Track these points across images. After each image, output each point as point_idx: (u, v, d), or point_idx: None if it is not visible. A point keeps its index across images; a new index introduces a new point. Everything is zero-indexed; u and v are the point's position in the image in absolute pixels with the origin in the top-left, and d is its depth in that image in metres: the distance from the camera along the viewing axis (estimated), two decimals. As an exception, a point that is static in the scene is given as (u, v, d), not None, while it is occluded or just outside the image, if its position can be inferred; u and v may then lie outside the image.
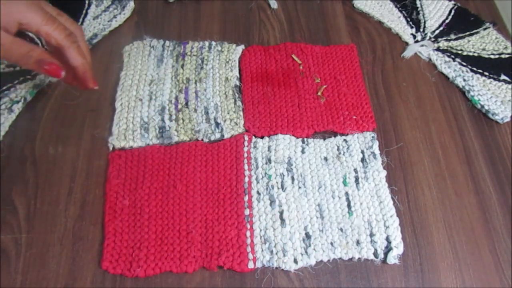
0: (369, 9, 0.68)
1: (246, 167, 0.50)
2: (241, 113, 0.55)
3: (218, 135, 0.53)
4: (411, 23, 0.67)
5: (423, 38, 0.65)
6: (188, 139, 0.53)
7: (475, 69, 0.60)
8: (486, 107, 0.57)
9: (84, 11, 0.65)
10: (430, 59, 0.63)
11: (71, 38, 0.43)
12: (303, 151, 0.52)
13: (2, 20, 0.39)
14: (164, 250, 0.44)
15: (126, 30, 0.65)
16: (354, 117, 0.55)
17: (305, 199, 0.48)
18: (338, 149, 0.52)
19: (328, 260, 0.45)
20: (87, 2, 0.66)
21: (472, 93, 0.58)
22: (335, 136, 0.53)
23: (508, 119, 0.56)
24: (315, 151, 0.52)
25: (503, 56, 0.62)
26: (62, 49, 0.43)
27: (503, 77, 0.59)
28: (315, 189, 0.49)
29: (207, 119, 0.54)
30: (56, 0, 0.65)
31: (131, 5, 0.66)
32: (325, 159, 0.51)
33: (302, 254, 0.44)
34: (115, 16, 0.64)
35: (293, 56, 0.61)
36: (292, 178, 0.49)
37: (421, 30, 0.66)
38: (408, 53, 0.63)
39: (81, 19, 0.64)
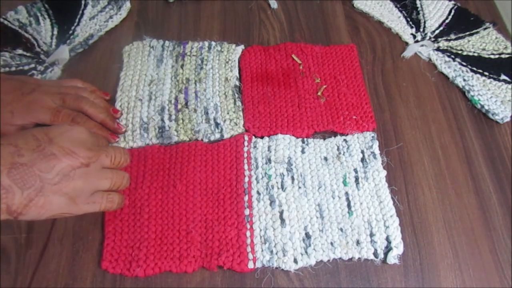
0: (369, 9, 0.68)
1: (246, 167, 0.50)
2: (241, 113, 0.55)
3: (218, 135, 0.53)
4: (411, 23, 0.67)
5: (423, 38, 0.65)
6: (188, 139, 0.52)
7: (475, 69, 0.60)
8: (486, 107, 0.57)
9: (80, 12, 0.65)
10: (430, 59, 0.63)
11: (78, 119, 0.47)
12: (303, 151, 0.52)
13: (21, 121, 0.44)
14: (163, 250, 0.44)
15: (126, 30, 0.65)
16: (354, 117, 0.55)
17: (305, 199, 0.48)
18: (338, 149, 0.52)
19: (328, 260, 0.45)
20: (83, 2, 0.66)
21: (472, 93, 0.58)
22: (335, 136, 0.53)
23: (508, 119, 0.56)
24: (315, 151, 0.52)
25: (503, 56, 0.62)
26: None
27: (503, 77, 0.59)
28: (315, 189, 0.49)
29: (207, 119, 0.54)
30: (54, 1, 0.65)
31: (127, 5, 0.66)
32: (325, 159, 0.51)
33: (302, 254, 0.44)
34: (111, 17, 0.64)
35: (293, 56, 0.61)
36: (292, 178, 0.49)
37: (421, 30, 0.66)
38: (408, 53, 0.63)
39: (77, 20, 0.64)
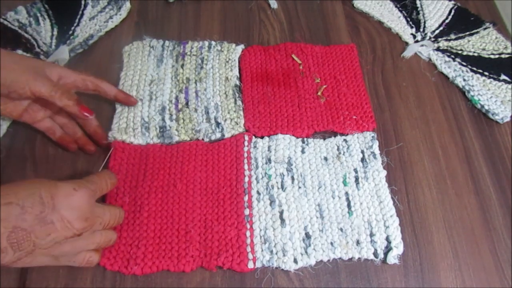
0: (369, 9, 0.68)
1: (246, 167, 0.50)
2: (242, 112, 0.55)
3: (218, 135, 0.53)
4: (411, 23, 0.67)
5: (423, 38, 0.65)
6: (188, 138, 0.53)
7: (475, 69, 0.60)
8: (486, 107, 0.57)
9: (80, 12, 0.65)
10: (430, 59, 0.63)
11: (78, 102, 0.47)
12: (303, 151, 0.52)
13: (17, 88, 0.43)
14: (162, 249, 0.44)
15: (126, 30, 0.65)
16: (354, 117, 0.55)
17: (305, 199, 0.48)
18: (338, 149, 0.52)
19: (328, 260, 0.45)
20: (83, 2, 0.66)
21: (472, 93, 0.58)
22: (335, 136, 0.53)
23: (508, 119, 0.56)
24: (315, 151, 0.52)
25: (503, 56, 0.62)
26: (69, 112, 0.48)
27: (503, 77, 0.59)
28: (315, 189, 0.49)
29: (208, 118, 0.54)
30: (54, 1, 0.65)
31: (127, 5, 0.66)
32: (325, 159, 0.51)
33: (302, 254, 0.44)
34: (111, 17, 0.64)
35: (293, 56, 0.61)
36: (292, 178, 0.49)
37: (421, 30, 0.66)
38: (408, 53, 0.63)
39: (77, 20, 0.64)
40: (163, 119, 0.54)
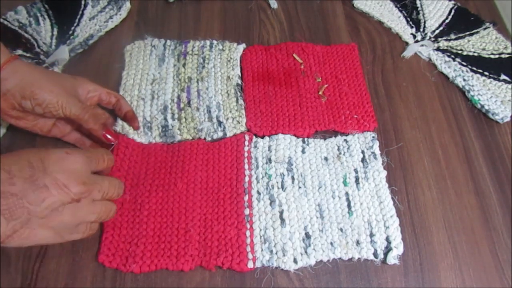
0: (369, 9, 0.68)
1: (246, 166, 0.50)
2: (243, 111, 0.55)
3: (220, 134, 0.53)
4: (411, 23, 0.67)
5: (423, 38, 0.65)
6: (191, 138, 0.53)
7: (475, 69, 0.60)
8: (486, 107, 0.57)
9: (80, 12, 0.65)
10: (430, 59, 0.63)
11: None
12: (303, 151, 0.52)
13: (52, 109, 0.45)
14: (161, 247, 0.44)
15: (126, 30, 0.65)
16: (356, 116, 0.55)
17: (305, 199, 0.48)
18: (338, 149, 0.52)
19: (328, 260, 0.45)
20: (83, 2, 0.66)
21: (472, 93, 0.58)
22: (335, 136, 0.53)
23: (508, 119, 0.56)
24: (315, 151, 0.52)
25: (503, 56, 0.62)
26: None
27: (503, 77, 0.59)
28: (315, 189, 0.49)
29: (210, 117, 0.54)
30: (54, 1, 0.65)
31: (127, 5, 0.66)
32: (326, 159, 0.51)
33: (302, 254, 0.44)
34: (111, 17, 0.64)
35: (294, 55, 0.61)
36: (292, 178, 0.49)
37: (421, 30, 0.66)
38: (408, 53, 0.63)
39: (77, 20, 0.64)
40: (165, 118, 0.54)
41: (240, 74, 0.59)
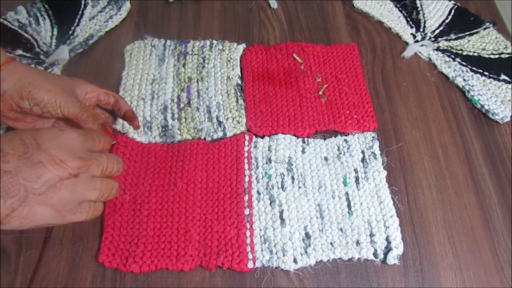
0: (369, 9, 0.68)
1: (246, 166, 0.50)
2: (243, 111, 0.55)
3: (220, 134, 0.53)
4: (411, 23, 0.67)
5: (423, 38, 0.65)
6: (191, 138, 0.53)
7: (475, 69, 0.60)
8: (486, 107, 0.57)
9: (80, 12, 0.65)
10: (430, 59, 0.63)
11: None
12: (303, 151, 0.52)
13: (50, 109, 0.44)
14: (161, 247, 0.44)
15: (126, 30, 0.65)
16: (356, 116, 0.55)
17: (305, 199, 0.48)
18: (338, 149, 0.52)
19: (328, 260, 0.45)
20: (83, 2, 0.66)
21: (472, 93, 0.58)
22: (335, 136, 0.53)
23: (508, 119, 0.56)
24: (315, 151, 0.52)
25: (503, 56, 0.62)
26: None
27: (503, 77, 0.59)
28: (315, 189, 0.49)
29: (210, 117, 0.54)
30: (54, 1, 0.65)
31: (127, 5, 0.66)
32: (326, 159, 0.51)
33: (302, 254, 0.44)
34: (111, 17, 0.64)
35: (294, 55, 0.61)
36: (292, 178, 0.49)
37: (421, 30, 0.66)
38: (408, 53, 0.63)
39: (77, 20, 0.64)
40: (165, 118, 0.54)
41: (240, 74, 0.59)
